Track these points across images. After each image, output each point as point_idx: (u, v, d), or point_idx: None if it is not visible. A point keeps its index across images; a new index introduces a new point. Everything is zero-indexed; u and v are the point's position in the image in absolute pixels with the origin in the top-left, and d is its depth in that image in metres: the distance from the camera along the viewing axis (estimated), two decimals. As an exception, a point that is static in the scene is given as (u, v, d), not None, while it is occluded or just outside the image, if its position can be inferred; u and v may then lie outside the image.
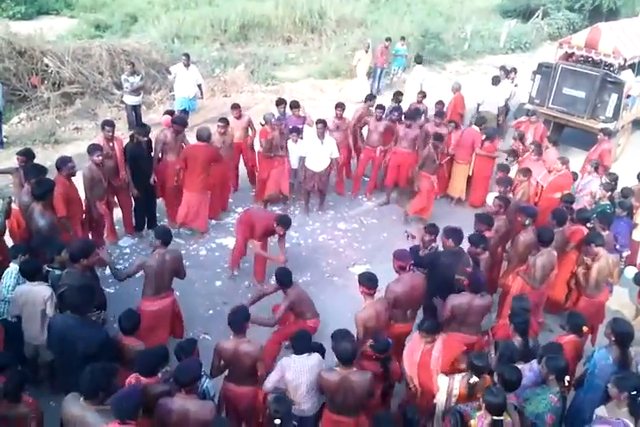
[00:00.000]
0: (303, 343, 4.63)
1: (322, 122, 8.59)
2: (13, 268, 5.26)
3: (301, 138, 8.90)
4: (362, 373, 4.44)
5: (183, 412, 3.96)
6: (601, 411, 4.36)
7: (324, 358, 4.81)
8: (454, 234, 6.04)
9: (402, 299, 5.40)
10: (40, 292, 5.00)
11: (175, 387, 4.13)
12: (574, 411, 4.94)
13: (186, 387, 4.02)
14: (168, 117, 8.49)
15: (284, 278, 5.68)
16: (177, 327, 6.00)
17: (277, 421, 4.06)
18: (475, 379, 4.52)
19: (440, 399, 4.67)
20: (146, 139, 7.63)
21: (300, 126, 9.09)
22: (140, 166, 7.58)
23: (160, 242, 5.57)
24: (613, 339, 4.93)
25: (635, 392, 4.14)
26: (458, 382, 4.61)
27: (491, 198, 7.62)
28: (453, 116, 10.68)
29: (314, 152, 8.60)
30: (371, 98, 9.80)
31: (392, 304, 5.40)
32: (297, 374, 4.51)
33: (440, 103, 9.82)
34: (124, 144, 7.57)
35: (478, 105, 11.58)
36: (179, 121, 8.00)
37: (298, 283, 6.73)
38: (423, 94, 10.54)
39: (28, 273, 5.06)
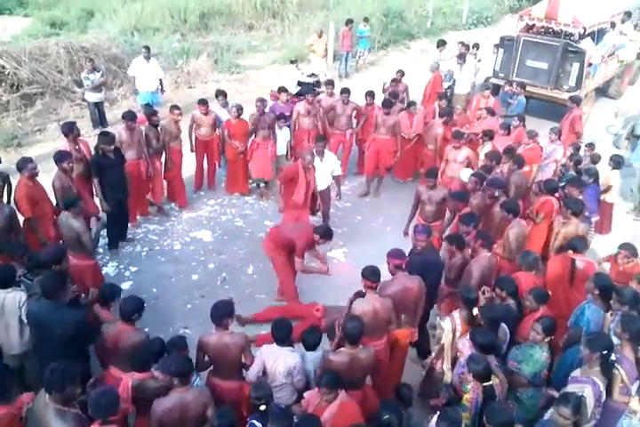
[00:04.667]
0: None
1: (322, 139, 7.96)
2: None
3: (287, 125, 8.89)
4: (367, 349, 4.56)
5: (184, 404, 3.98)
6: (575, 373, 4.44)
7: None
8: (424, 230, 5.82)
9: (393, 300, 5.07)
10: (15, 298, 4.83)
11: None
12: (563, 369, 4.86)
13: (182, 378, 4.01)
14: (141, 116, 8.37)
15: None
16: None
17: (262, 407, 4.05)
18: (476, 311, 4.85)
19: (447, 338, 4.97)
20: (112, 147, 7.05)
21: (287, 114, 9.05)
22: (109, 178, 7.10)
23: None
24: (597, 292, 5.07)
25: (606, 352, 4.25)
26: (458, 319, 4.97)
27: (465, 175, 7.45)
28: (432, 96, 10.68)
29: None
30: (330, 83, 9.69)
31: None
32: (274, 362, 4.51)
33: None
34: (90, 156, 7.16)
35: (449, 86, 11.55)
36: (127, 116, 7.63)
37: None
38: (402, 73, 10.59)
39: (2, 280, 4.84)
